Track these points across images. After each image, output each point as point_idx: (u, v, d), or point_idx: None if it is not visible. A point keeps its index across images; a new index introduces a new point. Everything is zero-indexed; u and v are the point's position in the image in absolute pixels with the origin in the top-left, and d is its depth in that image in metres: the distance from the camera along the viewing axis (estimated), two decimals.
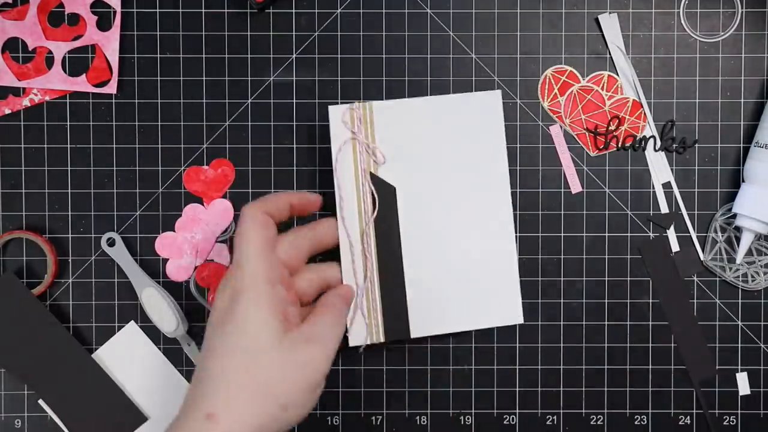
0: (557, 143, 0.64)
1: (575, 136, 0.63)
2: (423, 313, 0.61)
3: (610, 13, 0.64)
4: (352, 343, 0.61)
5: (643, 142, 0.64)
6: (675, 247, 0.64)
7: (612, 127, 0.63)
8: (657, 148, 0.63)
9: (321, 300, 0.57)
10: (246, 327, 0.51)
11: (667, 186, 0.64)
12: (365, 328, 0.61)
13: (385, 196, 0.61)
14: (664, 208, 0.64)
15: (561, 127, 0.64)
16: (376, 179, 0.61)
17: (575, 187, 0.64)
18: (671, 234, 0.64)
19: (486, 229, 0.62)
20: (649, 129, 0.64)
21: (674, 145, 0.64)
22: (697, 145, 0.64)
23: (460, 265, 0.62)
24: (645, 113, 0.64)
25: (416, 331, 0.61)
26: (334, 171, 0.60)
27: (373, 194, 0.61)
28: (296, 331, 0.53)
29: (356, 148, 0.61)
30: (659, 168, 0.64)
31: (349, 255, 0.61)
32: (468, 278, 0.62)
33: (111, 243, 0.64)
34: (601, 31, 0.64)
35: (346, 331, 0.60)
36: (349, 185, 0.61)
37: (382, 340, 0.61)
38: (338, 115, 0.61)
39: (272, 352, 0.51)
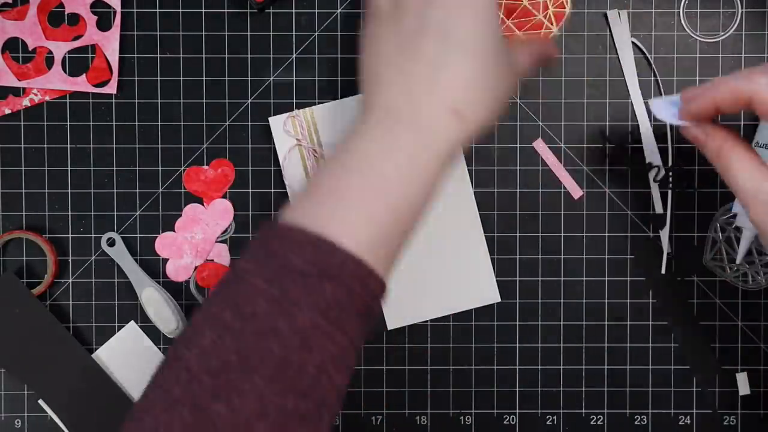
0: (545, 157, 0.64)
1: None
2: (398, 304, 0.63)
3: (619, 11, 0.64)
4: None
5: (645, 168, 0.64)
6: (666, 248, 0.64)
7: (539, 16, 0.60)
8: (657, 179, 0.63)
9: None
10: (490, 27, 0.49)
11: (665, 186, 0.64)
12: None
13: None
14: (659, 209, 0.64)
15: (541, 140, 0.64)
16: None
17: (575, 192, 0.64)
18: (664, 235, 0.64)
19: (450, 211, 0.62)
20: (647, 155, 0.64)
21: (671, 184, 0.64)
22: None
23: (429, 253, 0.63)
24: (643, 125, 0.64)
25: (392, 322, 0.63)
26: (284, 178, 0.63)
27: None
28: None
29: (303, 154, 0.63)
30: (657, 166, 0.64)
31: None
32: (440, 265, 0.63)
33: (111, 243, 0.64)
34: (609, 29, 0.64)
35: None
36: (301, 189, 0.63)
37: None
38: (279, 124, 0.63)
39: (503, 56, 0.50)
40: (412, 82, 0.48)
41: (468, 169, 0.63)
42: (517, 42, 0.56)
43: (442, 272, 0.63)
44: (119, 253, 0.63)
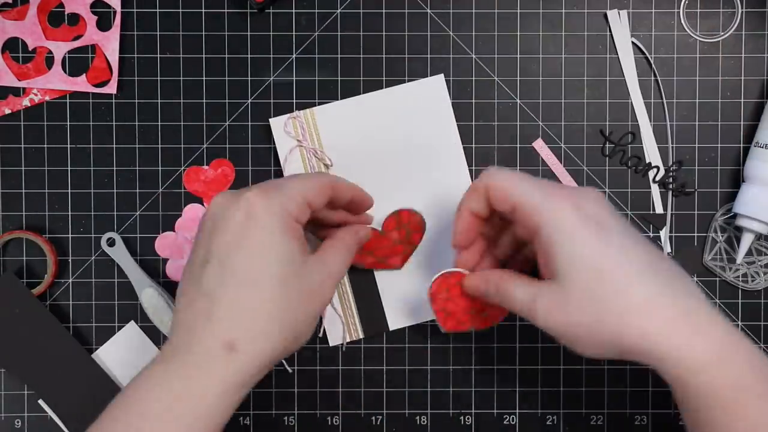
0: (545, 157, 0.64)
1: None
2: (399, 305, 0.63)
3: (619, 11, 0.64)
4: (331, 343, 0.64)
5: (645, 168, 0.64)
6: (667, 248, 0.64)
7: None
8: (656, 180, 0.63)
9: (334, 233, 0.56)
10: (273, 252, 0.49)
11: (665, 186, 0.64)
12: (342, 327, 0.63)
13: None
14: (659, 209, 0.64)
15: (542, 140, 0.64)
16: None
17: None
18: (664, 235, 0.64)
19: (448, 209, 0.62)
20: (647, 155, 0.64)
21: (672, 185, 0.64)
22: (696, 166, 0.64)
23: (430, 253, 0.63)
24: (644, 132, 0.64)
25: (394, 323, 0.63)
26: None
27: None
28: (312, 259, 0.51)
29: (305, 155, 0.62)
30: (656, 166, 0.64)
31: None
32: (440, 265, 0.62)
33: (111, 243, 0.64)
34: (609, 29, 0.64)
35: (320, 329, 0.61)
36: None
37: (361, 336, 0.63)
38: (280, 125, 0.63)
39: (296, 279, 0.49)
40: (194, 314, 0.49)
41: (469, 169, 0.63)
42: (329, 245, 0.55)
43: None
44: (119, 253, 0.63)
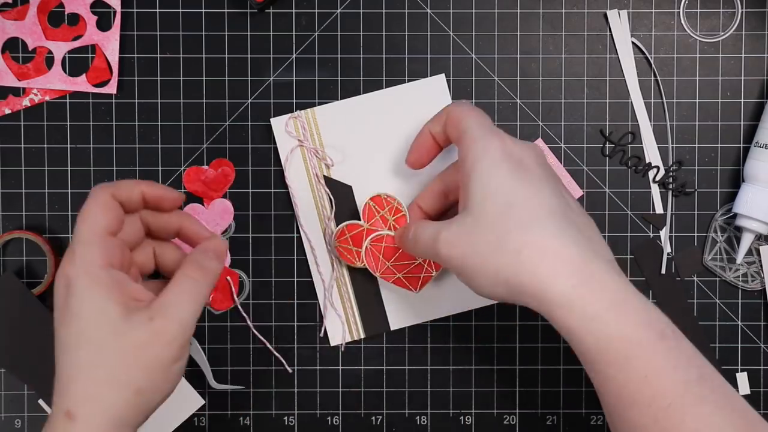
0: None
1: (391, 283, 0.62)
2: (400, 305, 0.63)
3: (619, 11, 0.64)
4: (332, 342, 0.64)
5: (645, 168, 0.64)
6: (667, 248, 0.64)
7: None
8: (656, 180, 0.63)
9: (181, 264, 0.52)
10: (85, 316, 0.48)
11: (665, 186, 0.64)
12: (342, 326, 0.63)
13: (342, 196, 0.63)
14: (659, 209, 0.64)
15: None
16: (330, 182, 0.63)
17: (576, 192, 0.64)
18: (664, 235, 0.64)
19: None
20: (647, 155, 0.64)
21: (672, 185, 0.64)
22: (696, 166, 0.64)
23: None
24: (643, 133, 0.64)
25: (394, 323, 0.63)
26: (286, 179, 0.63)
27: (329, 196, 0.63)
28: (140, 310, 0.49)
29: (306, 155, 0.62)
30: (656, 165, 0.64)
31: (312, 257, 0.63)
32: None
33: None
34: (609, 29, 0.64)
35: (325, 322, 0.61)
36: (304, 190, 0.63)
37: (362, 336, 0.63)
38: (281, 125, 0.63)
39: (114, 338, 0.48)
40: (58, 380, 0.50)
41: None
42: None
43: (444, 273, 0.63)
44: None
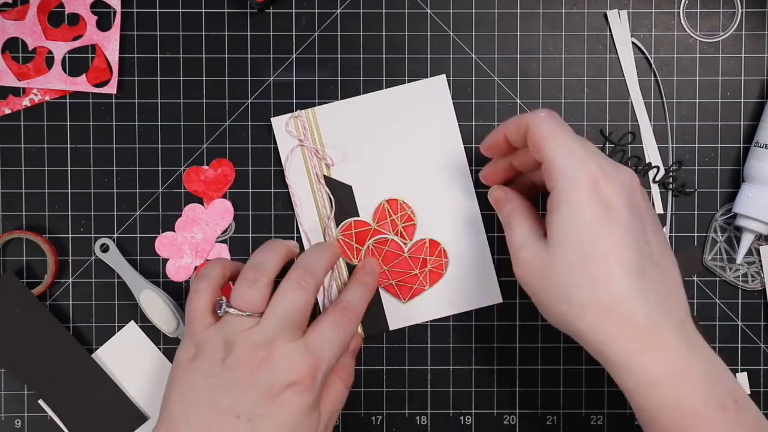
0: None
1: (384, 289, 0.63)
2: (400, 305, 0.63)
3: (619, 11, 0.64)
4: None
5: (645, 168, 0.64)
6: None
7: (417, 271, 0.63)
8: (656, 180, 0.63)
9: (314, 324, 0.57)
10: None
11: (665, 186, 0.64)
12: None
13: (342, 196, 0.63)
14: (659, 209, 0.64)
15: None
16: (330, 182, 0.63)
17: None
18: (664, 235, 0.64)
19: (451, 211, 0.62)
20: (647, 155, 0.64)
21: (672, 185, 0.64)
22: (696, 165, 0.64)
23: None
24: (644, 136, 0.64)
25: (394, 323, 0.63)
26: (286, 178, 0.63)
27: (329, 196, 0.62)
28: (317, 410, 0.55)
29: (306, 155, 0.62)
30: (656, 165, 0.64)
31: None
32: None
33: (104, 249, 0.63)
34: (609, 29, 0.64)
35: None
36: (304, 190, 0.63)
37: (361, 336, 0.63)
38: (281, 125, 0.63)
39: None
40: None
41: (470, 169, 0.63)
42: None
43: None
44: (114, 258, 0.63)
